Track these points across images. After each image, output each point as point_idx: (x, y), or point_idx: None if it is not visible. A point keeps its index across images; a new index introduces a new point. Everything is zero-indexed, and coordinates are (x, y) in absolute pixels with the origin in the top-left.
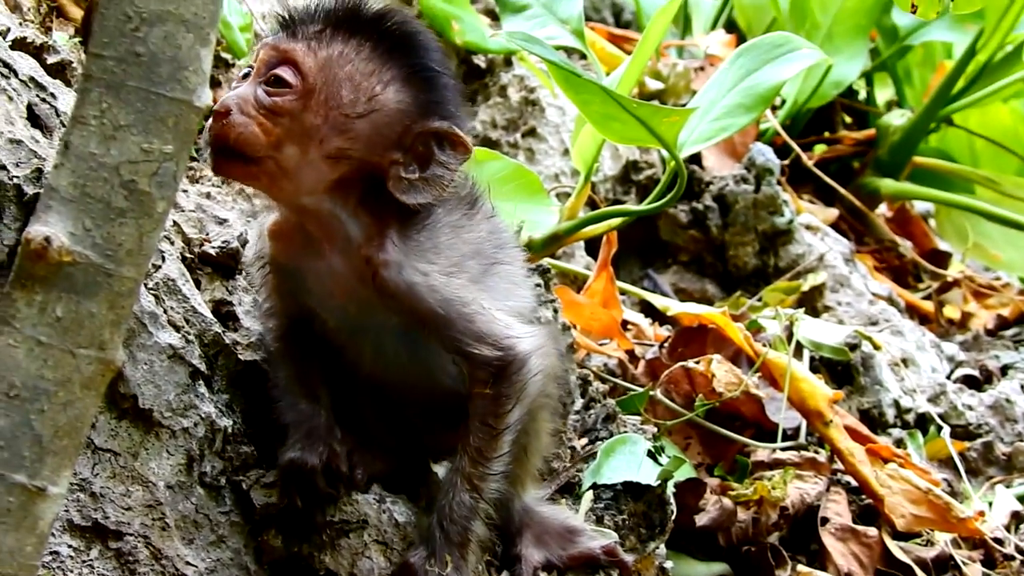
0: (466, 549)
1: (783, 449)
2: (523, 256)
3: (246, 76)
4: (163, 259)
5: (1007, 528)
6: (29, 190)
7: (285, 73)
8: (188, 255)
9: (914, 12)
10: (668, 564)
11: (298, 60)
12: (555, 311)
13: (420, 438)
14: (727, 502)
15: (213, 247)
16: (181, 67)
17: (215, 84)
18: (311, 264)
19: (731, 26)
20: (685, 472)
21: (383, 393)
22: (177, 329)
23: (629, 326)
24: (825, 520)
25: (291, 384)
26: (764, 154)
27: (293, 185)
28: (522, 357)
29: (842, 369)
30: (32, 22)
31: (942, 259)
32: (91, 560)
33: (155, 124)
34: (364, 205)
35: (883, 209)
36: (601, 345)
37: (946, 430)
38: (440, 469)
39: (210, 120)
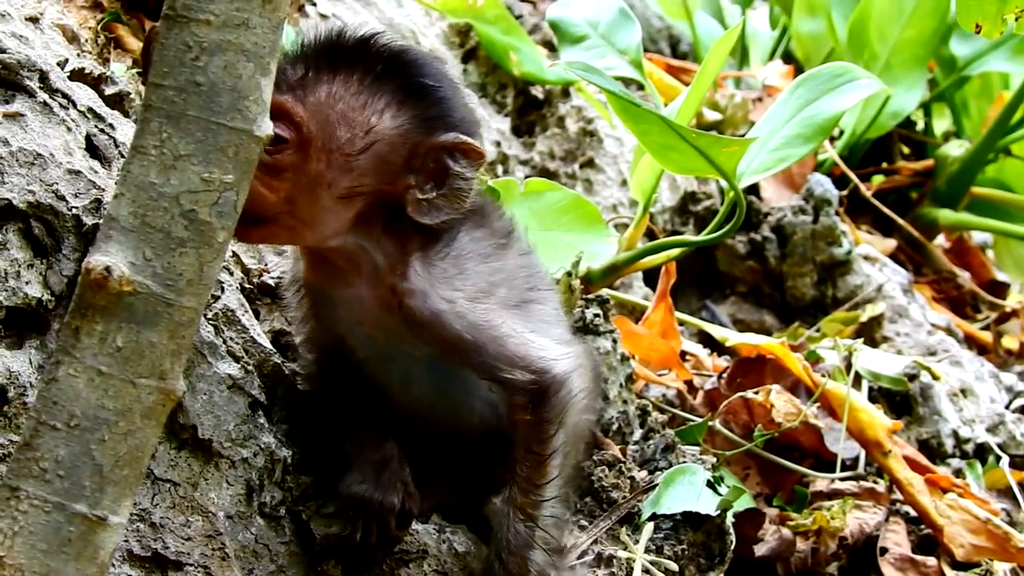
0: None
1: (842, 479)
2: (557, 299)
3: None
4: (222, 289)
5: None
6: (88, 220)
7: (278, 129)
8: (247, 285)
9: (978, 32)
10: None
11: (288, 112)
12: (614, 341)
13: (472, 470)
14: (786, 532)
15: (272, 278)
16: (241, 96)
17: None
18: (341, 292)
19: (788, 57)
20: (744, 502)
21: (414, 424)
22: (236, 359)
23: (688, 356)
24: (884, 550)
25: (350, 413)
26: (822, 185)
27: (314, 233)
28: (560, 379)
29: (901, 399)
30: (90, 53)
31: (1000, 289)
32: None
33: (215, 154)
34: (388, 232)
35: (941, 240)
36: (660, 375)
37: (1005, 460)
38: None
39: None
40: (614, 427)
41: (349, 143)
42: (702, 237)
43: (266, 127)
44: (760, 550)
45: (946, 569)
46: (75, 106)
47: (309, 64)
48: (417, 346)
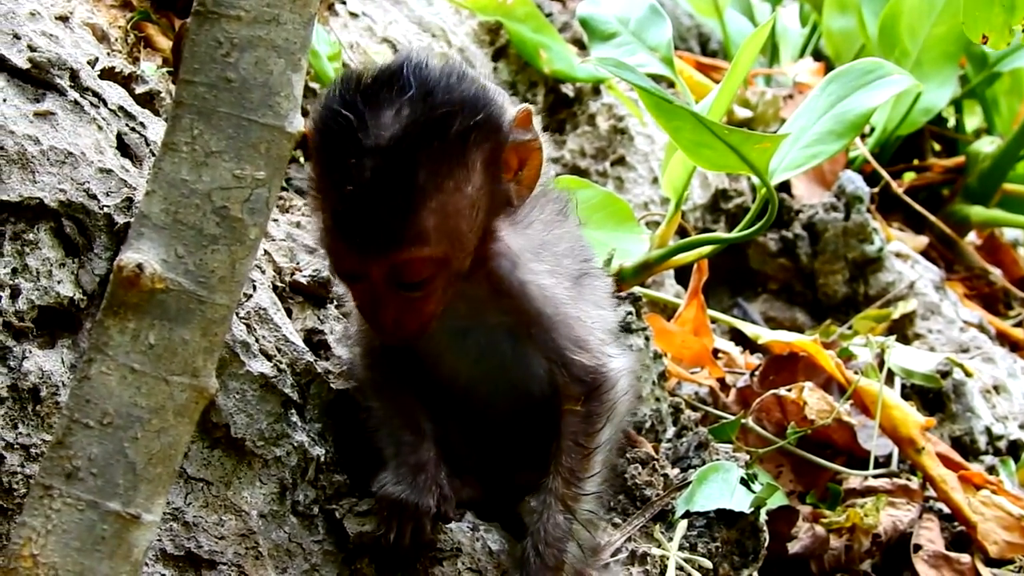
0: (561, 573)
1: (875, 476)
2: (605, 275)
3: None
4: (254, 288)
5: None
6: (119, 219)
7: (420, 273)
8: (279, 284)
9: (984, 43)
10: None
11: (426, 260)
12: (646, 339)
13: (513, 469)
14: (819, 529)
15: (304, 276)
16: (272, 93)
17: (304, 114)
18: None
19: (819, 55)
20: (777, 500)
21: (476, 408)
22: (269, 358)
23: (720, 354)
24: (918, 547)
25: (390, 413)
26: (854, 182)
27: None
28: (614, 376)
29: (933, 397)
30: (120, 52)
31: None
32: None
33: (247, 150)
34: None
35: (972, 237)
36: (692, 373)
37: None
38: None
39: (376, 330)
40: (647, 425)
41: (469, 223)
42: (734, 234)
43: (297, 123)
44: (794, 547)
45: (980, 566)
46: (106, 105)
47: (415, 196)
48: (497, 315)
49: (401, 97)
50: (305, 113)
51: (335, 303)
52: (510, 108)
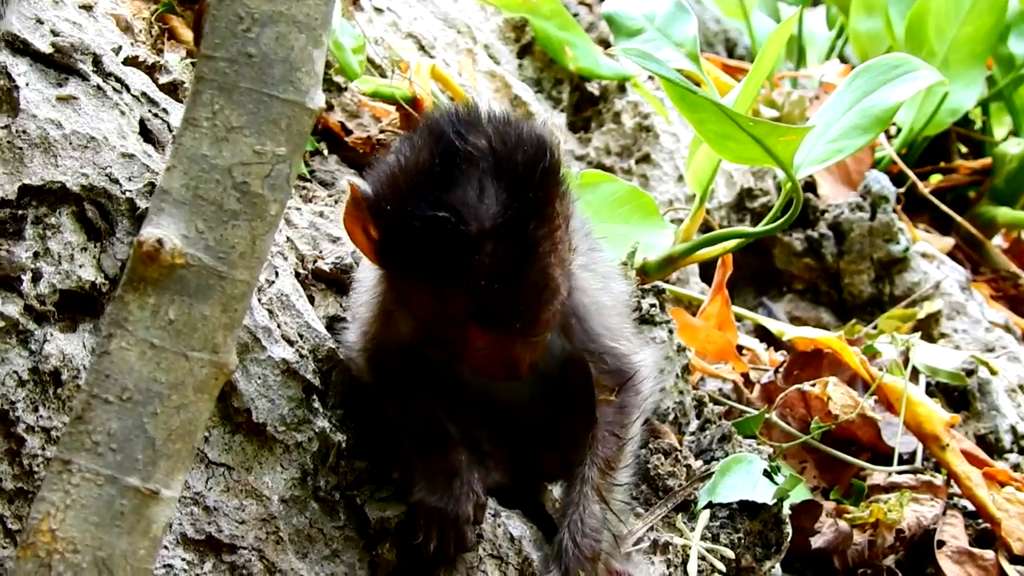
0: (597, 563)
1: (899, 472)
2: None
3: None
4: (277, 274)
5: None
6: (141, 204)
7: (549, 325)
8: (302, 271)
9: None
10: None
11: (553, 313)
12: (670, 331)
13: (533, 454)
14: (843, 525)
15: (327, 264)
16: (294, 68)
17: (327, 107)
18: None
19: (845, 58)
20: (801, 493)
21: (498, 400)
22: (291, 344)
23: (744, 351)
24: (941, 543)
25: (411, 418)
26: (880, 182)
27: None
28: (645, 370)
29: (958, 395)
30: (143, 43)
31: None
32: (205, 573)
33: (268, 126)
34: None
35: (999, 240)
36: (716, 368)
37: None
38: (555, 489)
39: (512, 376)
40: (670, 417)
41: (566, 255)
42: (759, 228)
43: (318, 99)
44: (817, 542)
45: (1004, 563)
46: (129, 90)
47: (548, 272)
48: None
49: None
50: (327, 109)
51: (345, 308)
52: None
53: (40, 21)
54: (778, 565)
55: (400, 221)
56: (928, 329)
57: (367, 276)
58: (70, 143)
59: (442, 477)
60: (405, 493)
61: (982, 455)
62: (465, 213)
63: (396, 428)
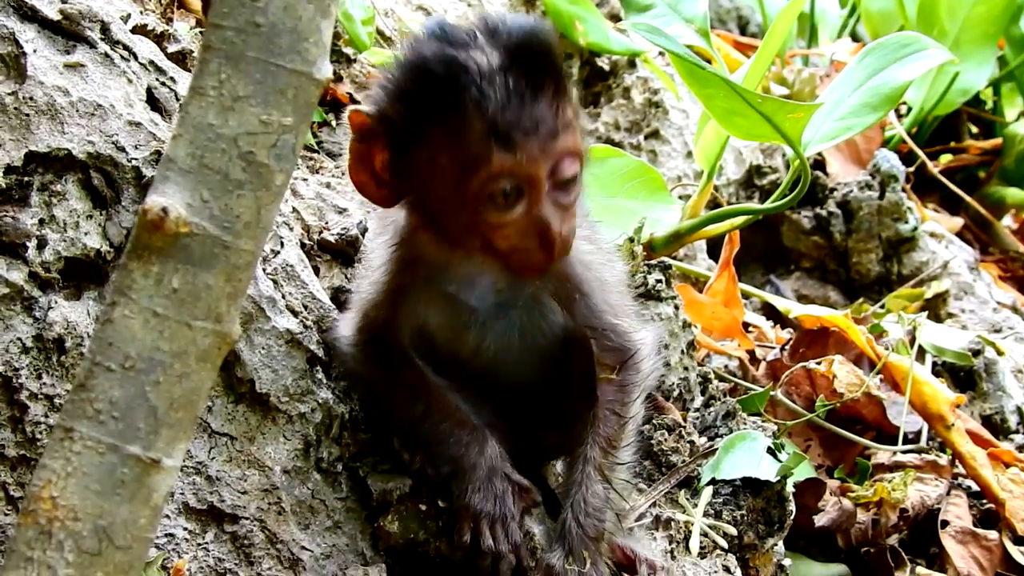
0: (601, 543)
1: (904, 452)
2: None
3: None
4: (282, 245)
5: None
6: (148, 172)
7: (574, 165)
8: (307, 242)
9: None
10: (786, 562)
11: (580, 151)
12: (676, 307)
13: (535, 432)
14: (847, 503)
15: (332, 235)
16: (301, 38)
17: (336, 79)
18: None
19: (857, 37)
20: (804, 472)
21: (502, 378)
22: (295, 314)
23: (750, 328)
24: (945, 523)
25: (435, 405)
26: (889, 160)
27: None
28: (646, 349)
29: (964, 375)
30: (152, 11)
31: None
32: (206, 543)
33: (274, 96)
34: None
35: (1008, 220)
36: (722, 345)
37: None
38: (557, 463)
39: (546, 248)
40: (675, 393)
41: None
42: (766, 205)
43: (325, 70)
44: (820, 520)
45: (1008, 543)
46: (136, 58)
47: (552, 94)
48: (538, 287)
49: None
50: (336, 80)
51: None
52: None
53: None
54: (781, 543)
55: (407, 89)
56: (935, 309)
57: (376, 256)
58: (77, 110)
59: (485, 474)
60: (453, 495)
61: (987, 435)
62: (471, 50)
63: (411, 423)
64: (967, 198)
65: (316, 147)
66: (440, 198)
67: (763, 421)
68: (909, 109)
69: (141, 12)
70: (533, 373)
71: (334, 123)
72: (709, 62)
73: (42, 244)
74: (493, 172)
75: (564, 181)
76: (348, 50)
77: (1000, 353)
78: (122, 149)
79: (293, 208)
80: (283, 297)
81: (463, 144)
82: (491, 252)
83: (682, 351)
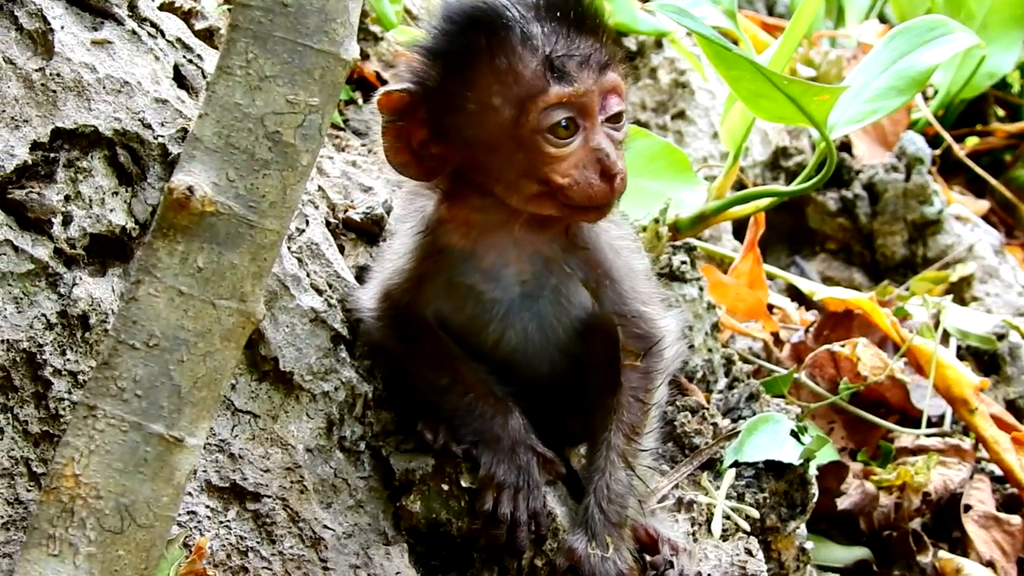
0: (624, 529)
1: (927, 435)
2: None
3: (569, 123)
4: (307, 223)
5: None
6: (174, 150)
7: (622, 98)
8: (332, 220)
9: None
10: (808, 544)
11: (622, 88)
12: (700, 288)
13: (558, 418)
14: (869, 486)
15: (358, 213)
16: (329, 19)
17: (363, 57)
18: (492, 239)
19: (884, 19)
20: (827, 455)
21: (524, 368)
22: (320, 293)
23: (775, 310)
24: (968, 507)
25: (459, 376)
26: (915, 143)
27: None
28: (670, 336)
29: (989, 359)
30: None
31: None
32: (228, 521)
33: (301, 76)
34: None
35: None
36: (746, 327)
37: None
38: (581, 447)
39: (607, 180)
40: (698, 375)
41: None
42: (792, 187)
43: (353, 50)
44: (843, 503)
45: None
46: (163, 36)
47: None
48: (563, 275)
49: None
50: (363, 57)
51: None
52: None
53: None
54: (803, 525)
55: (447, 47)
56: (960, 292)
57: (400, 242)
58: (104, 87)
59: (508, 445)
60: (474, 468)
61: (1011, 420)
62: None
63: (435, 392)
64: (993, 181)
65: (343, 125)
66: (492, 147)
67: (786, 403)
68: (936, 92)
69: None
70: (553, 363)
71: (360, 101)
72: (736, 43)
73: (67, 220)
74: (551, 102)
75: (613, 115)
76: (375, 28)
77: None
78: (148, 126)
79: (319, 186)
80: (308, 276)
81: (516, 81)
82: (548, 198)
83: (706, 332)
